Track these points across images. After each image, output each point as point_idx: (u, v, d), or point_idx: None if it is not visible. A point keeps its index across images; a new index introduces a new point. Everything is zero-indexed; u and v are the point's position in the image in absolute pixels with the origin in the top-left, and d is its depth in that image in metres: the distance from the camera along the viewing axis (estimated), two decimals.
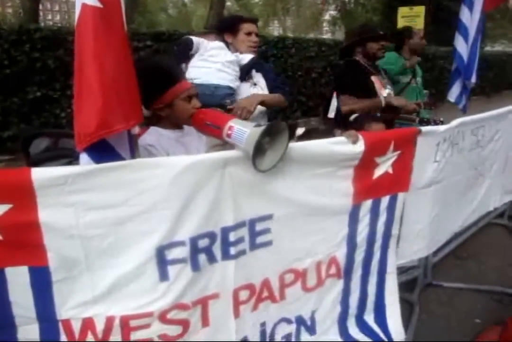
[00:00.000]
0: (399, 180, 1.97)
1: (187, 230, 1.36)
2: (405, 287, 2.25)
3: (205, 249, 1.43)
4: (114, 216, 1.27)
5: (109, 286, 1.31)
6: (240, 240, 1.52)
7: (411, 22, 8.47)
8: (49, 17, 51.99)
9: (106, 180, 1.23)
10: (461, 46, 3.29)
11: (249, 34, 2.67)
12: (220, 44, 2.56)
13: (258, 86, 2.63)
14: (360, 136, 1.74)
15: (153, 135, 1.74)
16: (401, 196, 2.00)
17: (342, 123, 2.78)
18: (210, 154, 1.41)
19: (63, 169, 1.20)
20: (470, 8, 3.18)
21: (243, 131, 1.37)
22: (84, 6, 1.20)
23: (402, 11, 9.48)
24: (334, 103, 3.06)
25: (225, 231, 1.46)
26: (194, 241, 1.38)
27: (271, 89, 2.66)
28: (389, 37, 3.35)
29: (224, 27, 2.73)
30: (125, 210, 1.27)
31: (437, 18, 13.90)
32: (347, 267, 1.91)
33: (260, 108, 2.49)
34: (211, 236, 1.43)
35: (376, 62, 3.21)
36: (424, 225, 2.27)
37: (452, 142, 2.28)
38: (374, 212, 1.93)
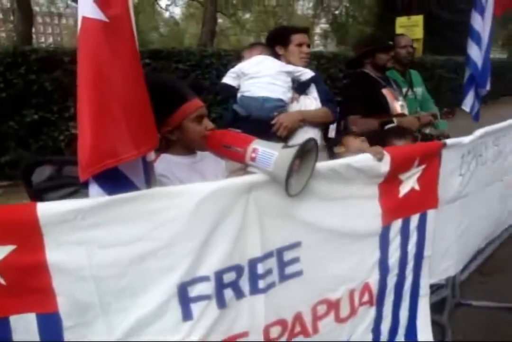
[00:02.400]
0: (427, 196, 1.89)
1: (212, 264, 1.24)
2: (433, 308, 2.10)
3: (232, 283, 1.30)
4: (130, 252, 1.14)
5: (127, 329, 1.17)
6: (268, 272, 1.39)
7: (409, 32, 8.41)
8: (42, 39, 52.34)
9: (120, 213, 1.11)
10: (475, 53, 3.16)
11: (300, 45, 2.59)
12: (259, 57, 2.50)
13: (311, 97, 2.58)
14: (386, 153, 1.64)
15: (164, 163, 1.57)
16: (431, 213, 1.91)
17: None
18: (234, 180, 1.28)
19: (72, 204, 1.07)
20: (482, 14, 3.08)
21: (270, 153, 1.25)
22: (86, 20, 1.07)
23: (400, 21, 9.42)
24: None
25: (253, 263, 1.34)
26: (219, 275, 1.26)
27: (321, 102, 2.60)
28: None
29: (275, 39, 2.66)
30: (143, 245, 1.14)
31: (429, 27, 13.94)
32: (379, 293, 1.81)
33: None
34: (238, 269, 1.31)
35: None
36: (451, 241, 2.16)
37: (476, 154, 2.18)
38: (404, 233, 1.84)
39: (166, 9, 26.92)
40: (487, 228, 2.56)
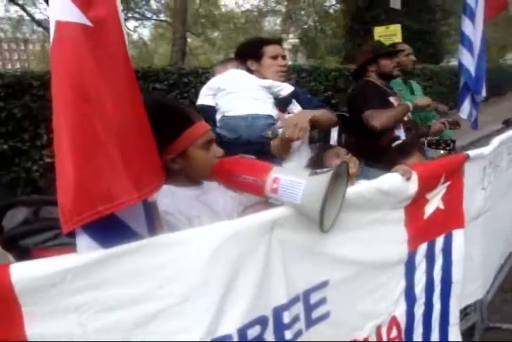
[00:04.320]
0: (452, 215, 1.73)
1: (234, 320, 1.02)
2: (463, 335, 1.90)
3: (256, 338, 1.09)
4: (135, 315, 0.91)
5: None
6: (295, 320, 1.18)
7: (388, 41, 8.33)
8: (9, 66, 51.41)
9: (120, 269, 0.88)
10: (467, 60, 3.04)
11: (275, 57, 2.28)
12: (235, 71, 2.21)
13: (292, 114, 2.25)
14: (413, 172, 1.46)
15: (167, 198, 1.27)
16: (457, 233, 1.72)
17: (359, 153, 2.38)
18: (253, 218, 1.06)
19: (59, 263, 0.83)
20: (472, 19, 2.96)
21: (296, 183, 1.03)
22: (63, 25, 0.83)
23: (378, 31, 9.26)
24: (334, 135, 2.76)
25: (278, 312, 1.12)
26: (243, 332, 1.04)
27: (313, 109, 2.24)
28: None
29: (246, 54, 2.34)
30: (151, 305, 0.92)
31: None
32: (407, 327, 1.62)
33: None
34: (262, 321, 1.09)
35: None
36: (476, 261, 1.97)
37: (495, 164, 2.02)
38: (430, 256, 1.67)
39: (134, 31, 26.69)
40: (506, 242, 2.40)
